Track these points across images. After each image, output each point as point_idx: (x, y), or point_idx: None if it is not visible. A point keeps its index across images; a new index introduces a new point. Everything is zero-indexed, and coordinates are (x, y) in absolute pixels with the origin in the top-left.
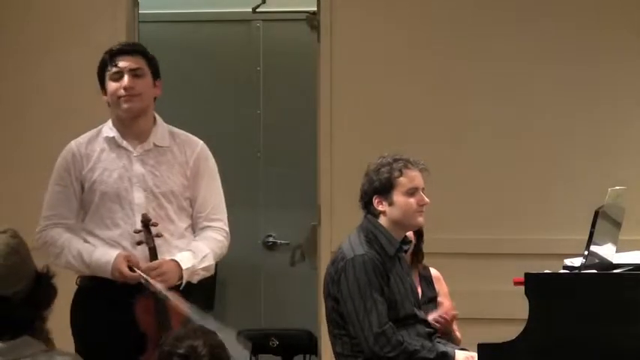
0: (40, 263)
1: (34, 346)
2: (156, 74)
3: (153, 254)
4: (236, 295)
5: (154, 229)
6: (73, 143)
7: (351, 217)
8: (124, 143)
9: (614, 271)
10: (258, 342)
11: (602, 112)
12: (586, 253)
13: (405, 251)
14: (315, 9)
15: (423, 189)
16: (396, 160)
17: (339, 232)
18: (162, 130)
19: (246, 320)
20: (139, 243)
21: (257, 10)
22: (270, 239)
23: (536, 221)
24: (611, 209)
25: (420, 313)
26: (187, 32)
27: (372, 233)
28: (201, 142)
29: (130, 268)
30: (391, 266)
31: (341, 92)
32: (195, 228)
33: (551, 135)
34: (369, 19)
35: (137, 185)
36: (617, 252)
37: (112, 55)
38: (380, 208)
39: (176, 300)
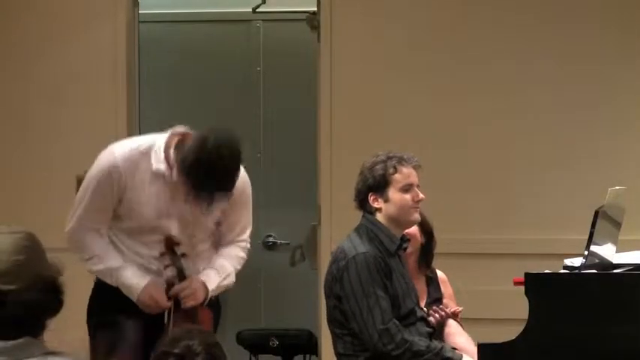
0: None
1: (36, 348)
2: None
3: (181, 275)
4: (236, 295)
5: (178, 249)
6: (118, 157)
7: (351, 217)
8: (171, 179)
9: (614, 271)
10: (258, 342)
11: (602, 113)
12: (586, 253)
13: (405, 249)
14: (315, 9)
15: (418, 185)
16: (389, 158)
17: (339, 232)
18: None
19: (246, 320)
20: (167, 266)
21: (257, 10)
22: (270, 239)
23: (536, 221)
24: (611, 209)
25: (420, 311)
26: (187, 32)
27: (372, 231)
28: (244, 172)
29: (169, 286)
30: (393, 263)
31: (341, 92)
32: (219, 242)
33: (551, 135)
34: (369, 19)
35: (174, 217)
36: (617, 252)
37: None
38: (375, 205)
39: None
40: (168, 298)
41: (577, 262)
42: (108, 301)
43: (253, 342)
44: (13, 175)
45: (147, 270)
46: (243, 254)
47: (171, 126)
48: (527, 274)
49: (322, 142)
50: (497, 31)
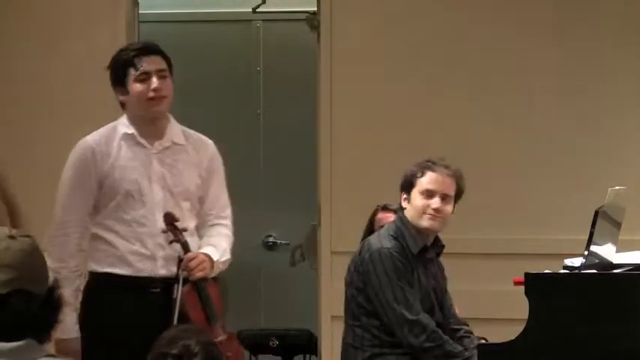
0: None
1: (38, 351)
2: (172, 73)
3: (186, 249)
4: (236, 295)
5: (179, 224)
6: (89, 140)
7: (351, 217)
8: (143, 141)
9: (614, 271)
10: (258, 342)
11: (602, 113)
12: (586, 253)
13: (438, 254)
14: (315, 9)
15: (446, 196)
16: (426, 161)
17: (339, 232)
18: (176, 128)
19: (246, 320)
20: (171, 242)
21: (257, 10)
22: (270, 239)
23: (536, 221)
24: (611, 209)
25: (438, 318)
26: (187, 32)
27: (400, 229)
28: (211, 141)
29: (179, 261)
30: (415, 265)
31: (341, 92)
32: (204, 224)
33: (551, 135)
34: (369, 19)
35: (156, 183)
36: (617, 252)
37: (134, 55)
38: (404, 204)
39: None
40: (176, 277)
41: (577, 262)
42: (101, 319)
43: (253, 342)
44: (12, 174)
45: (146, 256)
46: (230, 233)
47: None
48: (527, 274)
49: (322, 142)
50: (497, 31)
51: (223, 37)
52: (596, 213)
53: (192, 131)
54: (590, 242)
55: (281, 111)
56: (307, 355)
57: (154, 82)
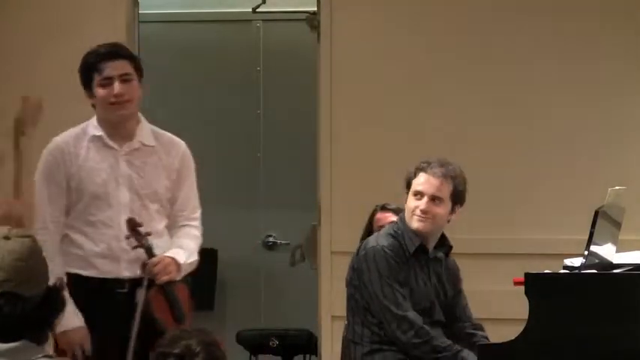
0: None
1: (35, 352)
2: (140, 74)
3: (150, 253)
4: (236, 295)
5: (142, 230)
6: (59, 140)
7: (351, 217)
8: (111, 142)
9: (614, 271)
10: (258, 342)
11: (602, 112)
12: (586, 253)
13: (446, 254)
14: (315, 9)
15: (435, 197)
16: (423, 162)
17: (339, 232)
18: (146, 129)
19: (246, 320)
20: (135, 247)
21: (257, 10)
22: (270, 239)
23: (536, 221)
24: (611, 209)
25: (436, 315)
26: (187, 32)
27: (399, 229)
28: (183, 142)
29: (143, 266)
30: (412, 263)
31: (341, 92)
32: (173, 225)
33: (551, 135)
34: (369, 19)
35: (123, 185)
36: (617, 252)
37: (98, 60)
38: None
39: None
40: (142, 278)
41: (577, 262)
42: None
43: (253, 342)
44: (11, 173)
45: (111, 258)
46: (199, 234)
47: (170, 126)
48: (527, 274)
49: (322, 142)
50: (497, 31)
51: (223, 37)
52: (596, 213)
53: (163, 132)
54: (590, 242)
55: (281, 111)
56: (307, 355)
57: (116, 87)
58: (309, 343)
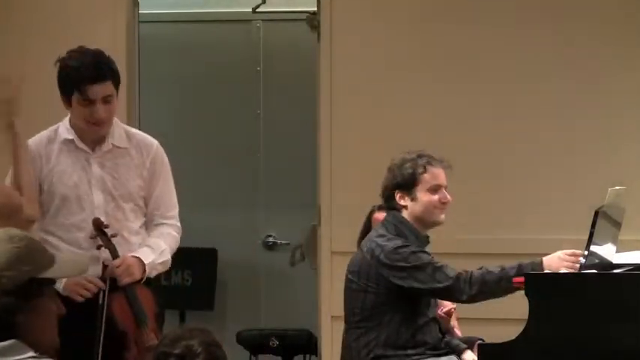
0: None
1: (22, 352)
2: (118, 87)
3: (114, 254)
4: (236, 295)
5: (108, 231)
6: (30, 142)
7: (351, 217)
8: (82, 145)
9: (614, 271)
10: (258, 342)
11: (602, 112)
12: (586, 253)
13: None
14: (315, 9)
15: (446, 187)
16: (420, 157)
17: (339, 232)
18: (119, 131)
19: (246, 320)
20: (99, 247)
21: (257, 10)
22: (270, 239)
23: (536, 221)
24: (611, 209)
25: (432, 312)
26: (187, 32)
27: (399, 229)
28: (156, 141)
29: (104, 268)
30: None
31: (341, 92)
32: (149, 224)
33: (551, 135)
34: (369, 19)
35: (96, 187)
36: (617, 252)
37: (81, 80)
38: (402, 202)
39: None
40: (104, 280)
41: None
42: None
43: (253, 342)
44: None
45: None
46: (174, 233)
47: (170, 126)
48: (527, 274)
49: (322, 142)
50: (498, 31)
51: (223, 37)
52: (596, 213)
53: (136, 131)
54: (590, 242)
55: (281, 111)
56: (307, 355)
57: (99, 110)
58: (309, 343)
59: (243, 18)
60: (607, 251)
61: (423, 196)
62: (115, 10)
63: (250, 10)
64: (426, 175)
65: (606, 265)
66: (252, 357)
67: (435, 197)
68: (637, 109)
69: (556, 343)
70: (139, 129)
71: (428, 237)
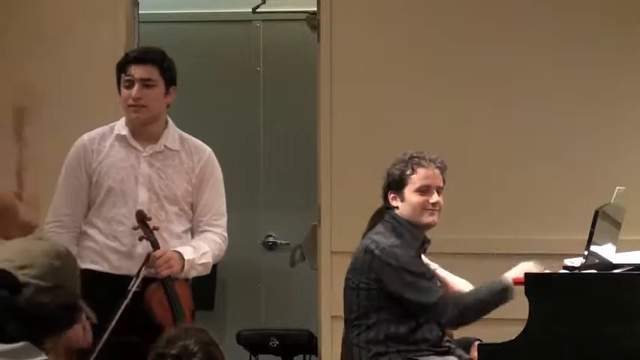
0: None
1: (34, 354)
2: (171, 81)
3: (155, 246)
4: (236, 295)
5: (150, 223)
6: (85, 137)
7: (351, 217)
8: (134, 143)
9: (614, 271)
10: (258, 342)
11: (602, 112)
12: (586, 253)
13: (424, 250)
14: (315, 9)
15: (439, 188)
16: (411, 157)
17: (339, 232)
18: (173, 134)
19: (246, 320)
20: (141, 238)
21: (257, 10)
22: (270, 239)
23: (536, 221)
24: (611, 209)
25: None
26: (187, 32)
27: (397, 229)
28: (209, 149)
29: (146, 260)
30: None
31: (341, 92)
32: (195, 230)
33: (551, 135)
34: (369, 19)
35: (142, 185)
36: (617, 252)
37: (126, 62)
38: (394, 203)
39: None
40: (139, 269)
41: (577, 262)
42: None
43: (253, 342)
44: (11, 173)
45: (124, 254)
46: (219, 240)
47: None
48: (527, 274)
49: (322, 142)
50: (498, 31)
51: (223, 37)
52: (596, 213)
53: (191, 137)
54: (590, 242)
55: (281, 111)
56: (307, 355)
57: (135, 90)
58: (309, 343)
59: (243, 18)
60: (607, 251)
61: (411, 197)
62: (115, 10)
63: (250, 10)
64: (414, 176)
65: (606, 265)
66: (252, 357)
67: (423, 198)
68: (637, 110)
69: (556, 343)
70: None
71: (426, 237)
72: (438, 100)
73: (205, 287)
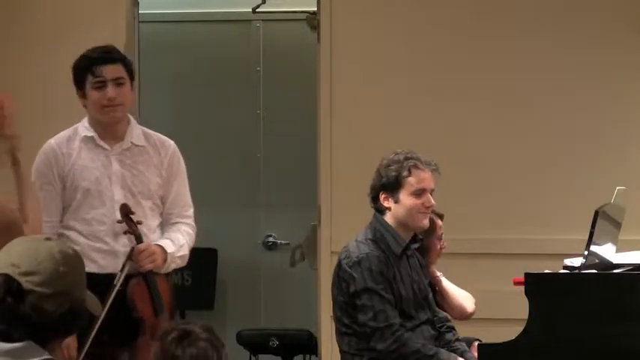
0: None
1: (37, 353)
2: (132, 78)
3: (139, 240)
4: (236, 295)
5: (134, 217)
6: (52, 142)
7: (351, 217)
8: (102, 143)
9: (614, 271)
10: (258, 342)
11: (602, 112)
12: (586, 253)
13: (417, 249)
14: (315, 9)
15: (432, 190)
16: (407, 159)
17: (339, 232)
18: (137, 130)
19: (246, 320)
20: (125, 232)
21: (257, 10)
22: (270, 239)
23: (536, 221)
24: (612, 209)
25: (426, 314)
26: (187, 32)
27: (379, 232)
28: (173, 142)
29: (130, 254)
30: (397, 265)
31: (341, 92)
32: (166, 223)
33: (551, 135)
34: (369, 19)
35: (116, 183)
36: (617, 252)
37: (93, 63)
38: (386, 204)
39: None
40: (124, 263)
41: (577, 262)
42: None
43: (253, 342)
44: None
45: (109, 253)
46: (192, 231)
47: (170, 126)
48: (527, 274)
49: (322, 142)
50: (498, 31)
51: (223, 37)
52: (596, 213)
53: (152, 132)
54: (590, 242)
55: (281, 111)
56: (307, 355)
57: (109, 91)
58: (309, 343)
59: (243, 18)
60: (607, 251)
61: (407, 200)
62: (115, 10)
63: (250, 10)
64: (410, 179)
65: (606, 265)
66: (252, 357)
67: (419, 201)
68: (638, 109)
69: (556, 343)
70: None
71: (415, 237)
72: (438, 100)
73: (205, 287)
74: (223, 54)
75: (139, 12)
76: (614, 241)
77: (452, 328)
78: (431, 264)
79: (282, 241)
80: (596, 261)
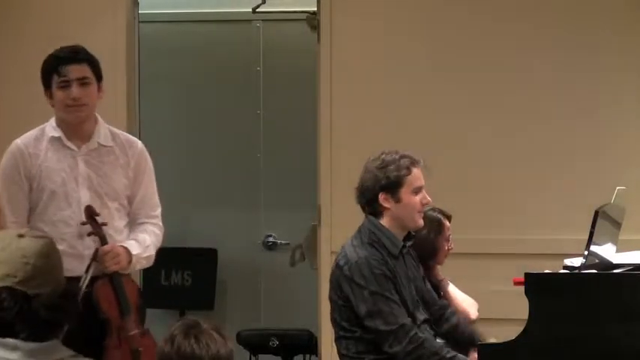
0: None
1: (62, 352)
2: (99, 78)
3: (104, 242)
4: (236, 295)
5: (99, 219)
6: (19, 142)
7: (351, 217)
8: (69, 143)
9: (614, 271)
10: (258, 342)
11: (602, 112)
12: (586, 253)
13: (410, 247)
14: (315, 9)
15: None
16: (402, 157)
17: (339, 232)
18: (104, 130)
19: (246, 320)
20: (90, 234)
21: (257, 10)
22: (270, 239)
23: (536, 221)
24: (612, 209)
25: (423, 314)
26: (187, 32)
27: (374, 234)
28: (140, 142)
29: (94, 255)
30: (395, 266)
31: (341, 92)
32: (133, 223)
33: (551, 135)
34: (369, 20)
35: (82, 185)
36: (617, 252)
37: (58, 63)
38: (386, 204)
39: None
40: (89, 265)
41: (577, 262)
42: None
43: (253, 342)
44: None
45: (74, 256)
46: (159, 232)
47: (170, 126)
48: (527, 274)
49: (322, 142)
50: (497, 31)
51: (223, 37)
52: (596, 213)
53: (120, 131)
54: (590, 242)
55: (281, 111)
56: (307, 355)
57: (74, 90)
58: (309, 343)
59: (243, 18)
60: (607, 251)
61: (407, 198)
62: (115, 10)
63: (250, 10)
64: (410, 177)
65: (606, 265)
66: (252, 357)
67: (417, 199)
68: (637, 109)
69: (556, 343)
70: (139, 129)
71: (409, 234)
72: (438, 100)
73: (205, 287)
74: (223, 54)
75: (139, 12)
76: (614, 241)
77: (454, 313)
78: (438, 264)
79: (282, 241)
80: (596, 261)
